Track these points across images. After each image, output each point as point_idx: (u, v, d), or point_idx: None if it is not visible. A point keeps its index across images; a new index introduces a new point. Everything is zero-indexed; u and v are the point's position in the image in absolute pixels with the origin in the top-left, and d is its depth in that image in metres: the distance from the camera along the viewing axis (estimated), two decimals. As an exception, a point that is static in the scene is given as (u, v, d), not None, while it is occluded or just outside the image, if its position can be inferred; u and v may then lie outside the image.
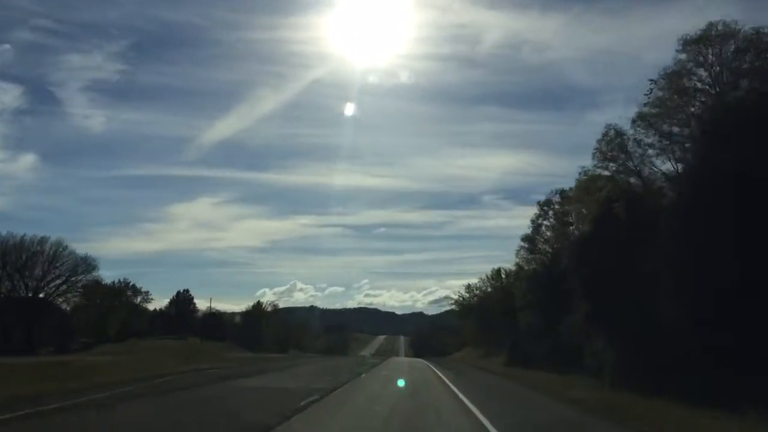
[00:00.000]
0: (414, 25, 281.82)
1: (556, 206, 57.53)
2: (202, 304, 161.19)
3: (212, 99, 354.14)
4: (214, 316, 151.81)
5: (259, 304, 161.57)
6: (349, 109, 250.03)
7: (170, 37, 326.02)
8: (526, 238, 64.27)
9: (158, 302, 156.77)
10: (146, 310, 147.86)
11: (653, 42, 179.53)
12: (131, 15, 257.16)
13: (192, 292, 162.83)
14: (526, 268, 64.74)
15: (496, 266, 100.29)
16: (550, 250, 58.69)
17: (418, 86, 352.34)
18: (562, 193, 56.44)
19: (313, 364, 56.16)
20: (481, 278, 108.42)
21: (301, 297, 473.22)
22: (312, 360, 75.30)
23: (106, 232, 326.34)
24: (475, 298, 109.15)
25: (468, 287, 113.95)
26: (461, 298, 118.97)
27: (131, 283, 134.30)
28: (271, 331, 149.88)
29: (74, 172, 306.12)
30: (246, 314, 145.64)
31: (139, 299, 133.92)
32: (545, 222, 60.71)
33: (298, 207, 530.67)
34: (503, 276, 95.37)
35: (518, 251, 66.55)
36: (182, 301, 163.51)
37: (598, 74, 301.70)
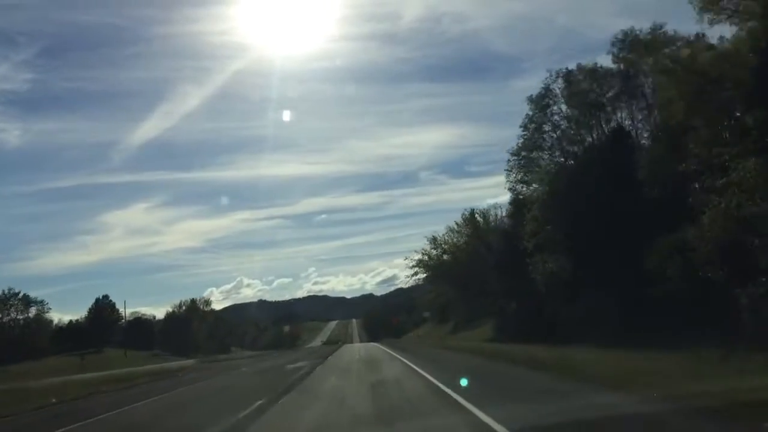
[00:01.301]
0: (333, 6, 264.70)
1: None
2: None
3: (133, 100, 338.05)
4: (138, 322, 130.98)
5: (193, 302, 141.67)
6: (276, 98, 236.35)
7: (82, 39, 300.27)
8: (519, 150, 46.56)
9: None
10: (49, 323, 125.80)
11: (568, 4, 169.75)
12: (37, 19, 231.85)
13: (114, 299, 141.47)
14: (527, 190, 47.30)
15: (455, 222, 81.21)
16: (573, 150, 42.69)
17: (344, 68, 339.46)
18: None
19: (221, 377, 37.23)
20: (449, 228, 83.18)
21: (249, 292, 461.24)
22: (234, 365, 55.94)
23: (41, 249, 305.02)
24: (445, 255, 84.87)
25: (434, 241, 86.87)
26: (426, 257, 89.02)
27: (20, 293, 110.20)
28: (205, 331, 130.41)
29: None
30: (171, 317, 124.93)
31: (33, 312, 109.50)
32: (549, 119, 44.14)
33: (235, 203, 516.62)
34: (479, 219, 76.69)
35: (510, 172, 48.52)
36: (101, 309, 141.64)
37: (517, 41, 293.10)
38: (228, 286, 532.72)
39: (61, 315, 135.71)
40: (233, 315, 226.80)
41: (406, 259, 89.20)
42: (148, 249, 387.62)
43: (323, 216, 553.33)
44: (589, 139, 41.88)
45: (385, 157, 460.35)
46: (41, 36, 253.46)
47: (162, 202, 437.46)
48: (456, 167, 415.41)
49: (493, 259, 54.83)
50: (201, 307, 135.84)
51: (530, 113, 44.40)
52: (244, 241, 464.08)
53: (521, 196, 48.49)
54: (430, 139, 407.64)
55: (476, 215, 75.63)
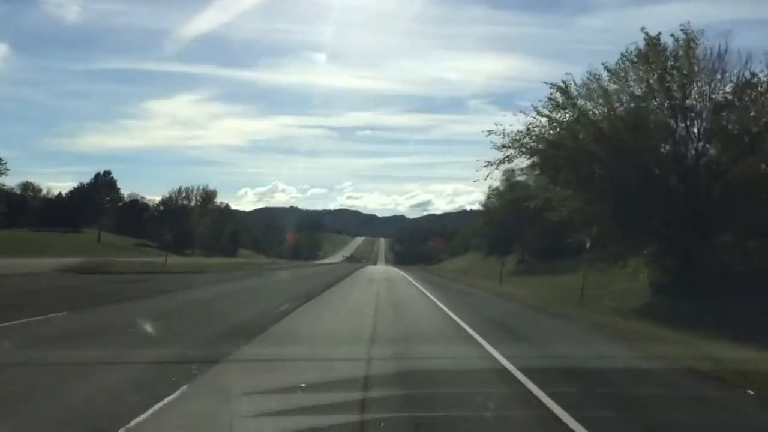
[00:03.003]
0: None
1: None
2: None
3: None
4: (133, 205, 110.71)
5: (208, 195, 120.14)
6: (336, 5, 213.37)
7: None
8: None
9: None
10: (38, 192, 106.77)
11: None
12: None
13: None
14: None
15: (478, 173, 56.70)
16: None
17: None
18: None
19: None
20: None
21: (283, 198, 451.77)
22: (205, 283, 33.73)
23: (83, 127, 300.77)
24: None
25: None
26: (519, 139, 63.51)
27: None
28: (209, 227, 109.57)
29: (48, 64, 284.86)
30: (166, 203, 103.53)
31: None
32: None
33: (280, 106, 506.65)
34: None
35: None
36: (99, 186, 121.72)
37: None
38: (262, 189, 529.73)
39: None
40: (263, 217, 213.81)
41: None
42: (188, 141, 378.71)
43: (366, 132, 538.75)
44: None
45: (435, 80, 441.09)
46: None
47: (208, 97, 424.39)
48: (506, 100, 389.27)
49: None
50: (209, 199, 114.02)
51: None
52: (285, 146, 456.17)
53: None
54: (484, 67, 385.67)
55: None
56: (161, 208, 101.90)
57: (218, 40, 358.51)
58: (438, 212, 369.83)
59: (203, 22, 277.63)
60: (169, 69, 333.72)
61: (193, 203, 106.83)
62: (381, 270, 64.11)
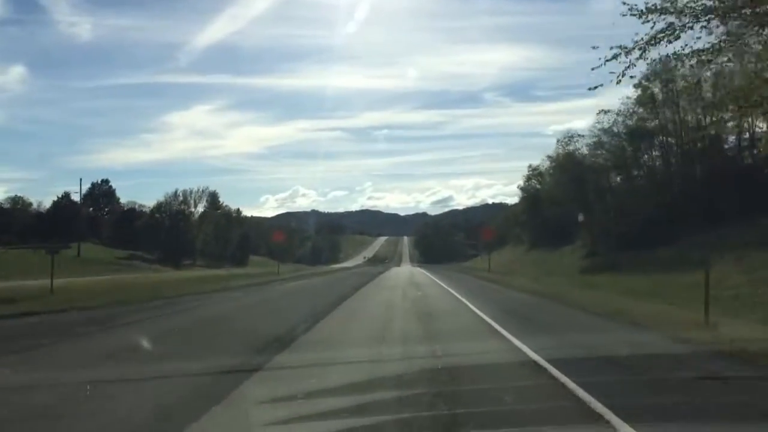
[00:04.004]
0: None
1: None
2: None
3: (202, 1, 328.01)
4: (129, 215, 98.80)
5: (214, 197, 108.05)
6: (345, 7, 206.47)
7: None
8: None
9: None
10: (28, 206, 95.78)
11: None
12: None
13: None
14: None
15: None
16: None
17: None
18: None
19: None
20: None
21: (304, 202, 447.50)
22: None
23: (104, 144, 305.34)
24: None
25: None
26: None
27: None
28: (212, 234, 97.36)
29: (65, 84, 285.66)
30: (161, 210, 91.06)
31: None
32: None
33: (296, 111, 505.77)
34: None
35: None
36: (96, 196, 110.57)
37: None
38: (284, 195, 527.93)
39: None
40: (285, 222, 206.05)
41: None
42: (208, 151, 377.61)
43: (384, 131, 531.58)
44: None
45: (449, 75, 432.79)
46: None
47: (224, 106, 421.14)
48: (521, 91, 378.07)
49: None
50: (212, 203, 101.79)
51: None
52: (303, 150, 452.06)
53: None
54: (497, 59, 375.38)
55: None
56: (156, 215, 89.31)
57: (231, 48, 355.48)
58: (460, 207, 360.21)
59: (215, 32, 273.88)
60: (185, 81, 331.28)
61: (193, 209, 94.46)
62: (406, 274, 50.59)
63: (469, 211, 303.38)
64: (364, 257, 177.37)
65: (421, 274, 48.58)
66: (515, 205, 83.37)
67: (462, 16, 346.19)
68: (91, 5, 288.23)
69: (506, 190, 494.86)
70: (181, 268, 76.77)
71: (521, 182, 73.81)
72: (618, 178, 45.85)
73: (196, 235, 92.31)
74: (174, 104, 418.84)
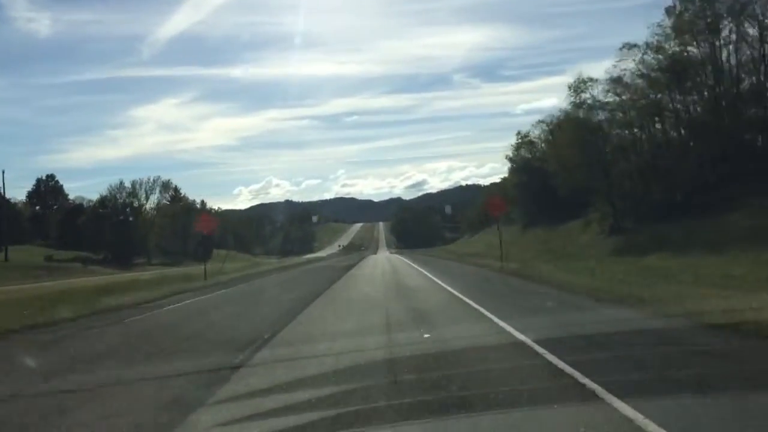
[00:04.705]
0: None
1: None
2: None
3: None
4: (77, 211, 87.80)
5: (177, 193, 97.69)
6: None
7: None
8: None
9: None
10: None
11: None
12: None
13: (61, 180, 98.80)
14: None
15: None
16: None
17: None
18: None
19: None
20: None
21: (278, 192, 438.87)
22: None
23: (71, 142, 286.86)
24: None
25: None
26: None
27: None
28: (169, 228, 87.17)
29: (26, 81, 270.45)
30: (105, 204, 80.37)
31: None
32: None
33: (265, 101, 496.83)
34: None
35: None
36: (43, 194, 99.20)
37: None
38: (257, 186, 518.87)
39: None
40: (258, 214, 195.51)
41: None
42: (178, 145, 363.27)
43: (353, 117, 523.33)
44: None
45: (417, 58, 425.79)
46: None
47: (192, 98, 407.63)
48: (490, 71, 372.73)
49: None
50: (167, 193, 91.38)
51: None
52: (274, 140, 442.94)
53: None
54: (464, 40, 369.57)
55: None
56: (101, 210, 78.72)
57: (196, 39, 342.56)
58: (434, 191, 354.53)
59: (178, 23, 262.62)
60: (151, 74, 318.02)
61: (144, 201, 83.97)
62: (385, 265, 40.33)
63: (444, 194, 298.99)
64: (339, 246, 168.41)
65: (405, 266, 38.81)
66: (504, 180, 74.60)
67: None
68: (48, 0, 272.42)
69: (479, 172, 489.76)
70: (130, 269, 67.06)
71: (509, 153, 65.01)
72: (643, 135, 36.73)
73: (149, 231, 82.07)
74: (140, 98, 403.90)
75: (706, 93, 32.89)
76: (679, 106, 34.61)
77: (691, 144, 30.66)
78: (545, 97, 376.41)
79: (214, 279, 29.30)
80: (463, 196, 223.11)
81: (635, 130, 36.66)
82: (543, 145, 58.77)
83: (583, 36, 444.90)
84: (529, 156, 59.72)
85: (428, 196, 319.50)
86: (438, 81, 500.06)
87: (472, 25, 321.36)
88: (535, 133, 60.41)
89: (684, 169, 29.21)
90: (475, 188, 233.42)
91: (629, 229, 32.01)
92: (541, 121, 59.16)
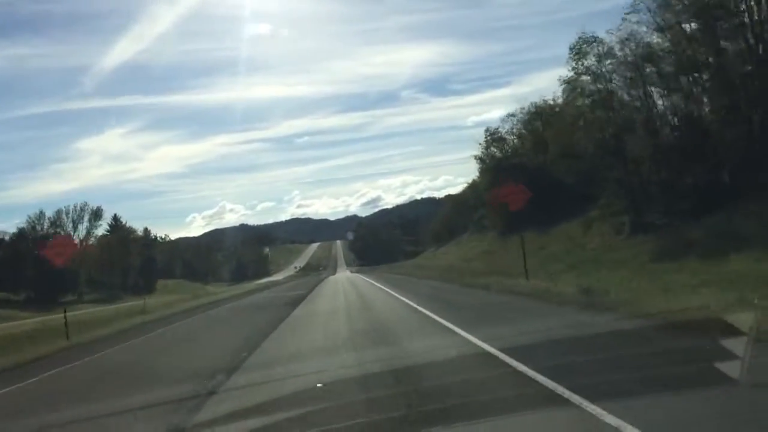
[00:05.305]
0: None
1: None
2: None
3: (102, 21, 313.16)
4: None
5: (118, 221, 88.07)
6: (252, 17, 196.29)
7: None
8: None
9: None
10: None
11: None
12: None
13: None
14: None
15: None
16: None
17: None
18: None
19: None
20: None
21: (233, 217, 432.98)
22: None
23: (15, 179, 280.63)
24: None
25: None
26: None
27: None
28: (104, 261, 77.48)
29: None
30: (21, 239, 70.03)
31: None
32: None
33: (214, 126, 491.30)
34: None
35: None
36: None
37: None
38: (210, 212, 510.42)
39: None
40: (213, 239, 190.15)
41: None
42: (127, 175, 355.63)
43: (305, 138, 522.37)
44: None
45: (365, 76, 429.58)
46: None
47: (139, 127, 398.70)
48: (438, 86, 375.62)
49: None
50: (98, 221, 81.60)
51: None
52: (226, 165, 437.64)
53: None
54: (411, 57, 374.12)
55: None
56: (19, 245, 68.45)
57: (139, 68, 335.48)
58: (390, 206, 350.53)
59: (121, 53, 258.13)
60: (94, 105, 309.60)
61: (72, 231, 73.98)
62: (349, 293, 29.93)
63: (400, 208, 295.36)
64: (296, 267, 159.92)
65: (368, 288, 30.28)
66: (474, 182, 67.83)
67: (372, 18, 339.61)
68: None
69: (433, 185, 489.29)
70: (53, 311, 57.59)
71: (478, 152, 58.28)
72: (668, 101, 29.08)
73: (80, 265, 72.17)
74: (85, 130, 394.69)
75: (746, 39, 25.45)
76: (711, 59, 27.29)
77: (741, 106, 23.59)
78: (494, 109, 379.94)
79: (84, 335, 20.33)
80: (419, 209, 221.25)
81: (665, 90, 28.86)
82: (516, 140, 52.54)
83: (528, 48, 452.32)
84: (500, 155, 53.28)
85: (384, 212, 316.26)
86: (387, 98, 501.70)
87: (417, 43, 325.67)
88: (505, 128, 54.11)
89: (730, 141, 22.52)
90: (431, 201, 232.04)
91: (658, 226, 25.12)
92: (511, 115, 52.94)
